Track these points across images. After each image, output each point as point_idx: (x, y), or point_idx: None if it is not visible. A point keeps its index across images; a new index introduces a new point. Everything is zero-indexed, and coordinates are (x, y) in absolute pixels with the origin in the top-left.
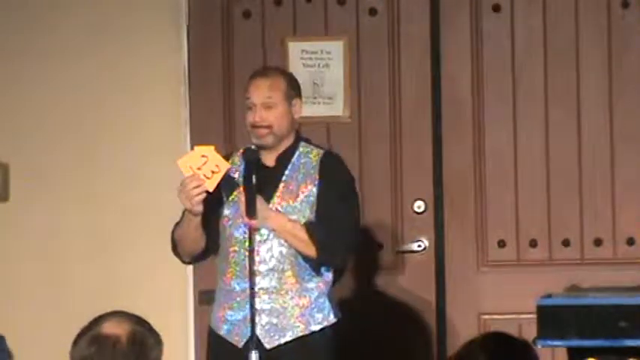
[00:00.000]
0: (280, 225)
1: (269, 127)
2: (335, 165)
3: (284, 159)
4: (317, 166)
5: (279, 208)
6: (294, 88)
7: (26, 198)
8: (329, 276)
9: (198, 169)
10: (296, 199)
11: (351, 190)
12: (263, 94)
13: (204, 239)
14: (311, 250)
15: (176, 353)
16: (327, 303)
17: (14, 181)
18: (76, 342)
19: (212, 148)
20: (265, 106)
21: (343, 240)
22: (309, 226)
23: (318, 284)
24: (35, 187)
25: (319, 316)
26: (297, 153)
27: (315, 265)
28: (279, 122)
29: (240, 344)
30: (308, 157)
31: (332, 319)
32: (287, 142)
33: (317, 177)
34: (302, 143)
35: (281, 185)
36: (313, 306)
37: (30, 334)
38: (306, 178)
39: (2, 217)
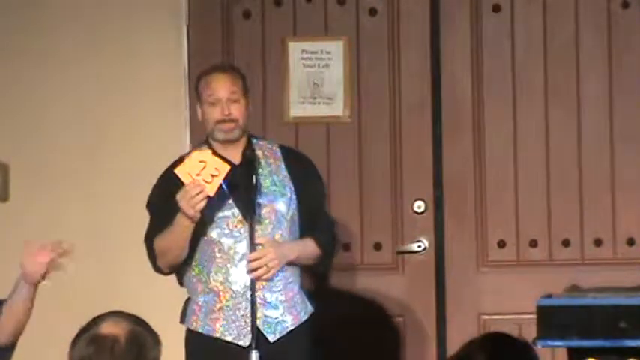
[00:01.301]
0: (300, 252)
1: (235, 120)
2: (301, 160)
3: (247, 155)
4: (280, 160)
5: (264, 205)
6: (247, 84)
7: (26, 198)
8: (299, 268)
9: (198, 175)
10: (277, 199)
11: (322, 181)
12: (228, 88)
13: (188, 246)
14: (318, 257)
15: (175, 353)
16: (305, 294)
17: (14, 181)
18: (74, 342)
19: (209, 152)
20: (231, 100)
21: (334, 233)
22: (314, 239)
23: (296, 276)
24: (35, 187)
25: (304, 306)
26: (255, 149)
27: (319, 268)
28: (242, 116)
29: (241, 342)
30: (267, 151)
31: (310, 308)
32: (245, 138)
33: (285, 169)
34: (253, 139)
35: (260, 181)
36: (297, 297)
37: (29, 333)
38: (277, 171)
39: (2, 217)
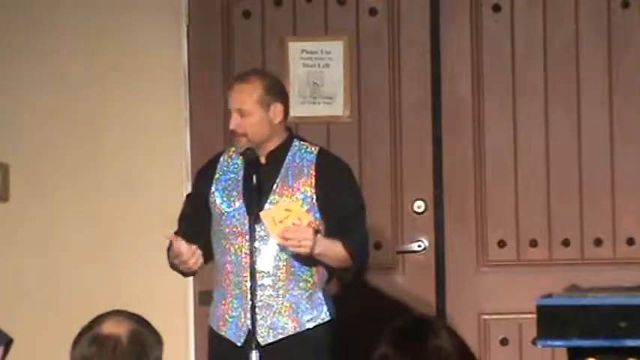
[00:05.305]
0: (325, 248)
1: (244, 135)
2: (334, 166)
3: (277, 156)
4: (313, 164)
5: (273, 204)
6: (271, 93)
7: (26, 198)
8: (324, 274)
9: (280, 222)
10: (292, 196)
11: (357, 190)
12: (238, 100)
13: (196, 272)
14: (346, 262)
15: (176, 353)
16: (321, 301)
17: (14, 181)
18: (76, 342)
19: (299, 202)
20: (240, 113)
21: (366, 244)
22: (342, 242)
23: (311, 282)
24: (35, 187)
25: (312, 313)
26: (291, 150)
27: (346, 274)
28: (253, 130)
29: (238, 342)
30: (302, 154)
31: (326, 316)
32: (276, 141)
33: (314, 174)
34: (295, 141)
35: (277, 181)
36: (306, 304)
37: (30, 334)
38: (301, 174)
39: (2, 217)
